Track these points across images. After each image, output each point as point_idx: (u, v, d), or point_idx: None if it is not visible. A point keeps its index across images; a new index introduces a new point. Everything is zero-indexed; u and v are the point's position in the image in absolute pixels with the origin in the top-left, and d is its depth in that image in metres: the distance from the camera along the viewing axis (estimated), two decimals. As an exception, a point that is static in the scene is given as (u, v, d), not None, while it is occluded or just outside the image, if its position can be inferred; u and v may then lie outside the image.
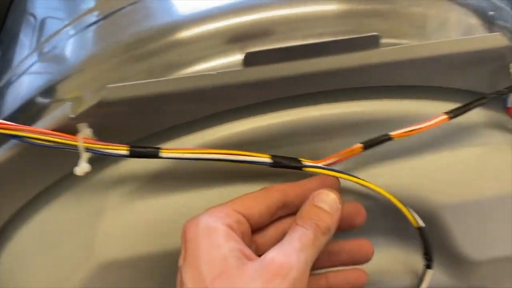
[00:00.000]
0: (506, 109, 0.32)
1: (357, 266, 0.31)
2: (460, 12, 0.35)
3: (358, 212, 0.29)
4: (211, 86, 0.26)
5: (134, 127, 0.28)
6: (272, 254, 0.24)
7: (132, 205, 0.30)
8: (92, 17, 0.38)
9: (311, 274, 0.27)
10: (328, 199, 0.27)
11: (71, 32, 0.37)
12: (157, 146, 0.27)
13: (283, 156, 0.28)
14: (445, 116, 0.29)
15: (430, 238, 0.31)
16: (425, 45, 0.27)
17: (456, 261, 0.35)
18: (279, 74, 0.26)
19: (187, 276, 0.24)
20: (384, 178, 0.31)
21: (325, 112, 0.30)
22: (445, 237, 0.33)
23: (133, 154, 0.26)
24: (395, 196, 0.29)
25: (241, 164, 0.28)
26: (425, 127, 0.29)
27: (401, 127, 0.29)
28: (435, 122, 0.29)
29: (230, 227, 0.25)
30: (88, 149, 0.26)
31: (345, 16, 0.33)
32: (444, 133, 0.32)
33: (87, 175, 0.31)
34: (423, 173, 0.32)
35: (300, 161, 0.28)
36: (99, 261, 0.29)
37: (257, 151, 0.28)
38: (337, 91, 0.30)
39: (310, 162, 0.29)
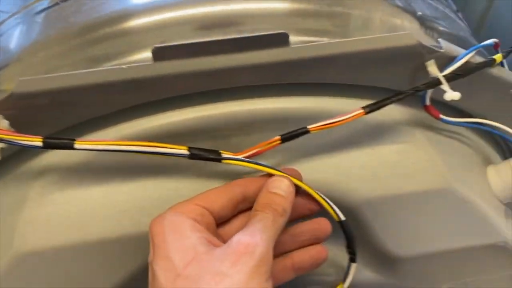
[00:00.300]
0: (424, 107, 0.32)
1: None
2: (388, 12, 0.36)
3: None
4: (122, 80, 0.27)
5: (51, 120, 0.29)
6: (238, 237, 0.25)
7: (52, 196, 0.30)
8: (39, 6, 0.39)
9: (278, 258, 0.30)
10: (281, 185, 0.29)
11: (15, 22, 0.38)
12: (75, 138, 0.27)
13: (201, 148, 0.28)
14: (361, 111, 0.30)
15: (352, 231, 0.31)
16: (332, 43, 0.28)
17: (381, 257, 0.35)
18: (187, 69, 0.27)
19: (158, 267, 0.24)
20: (305, 173, 0.32)
21: (245, 107, 0.31)
22: (367, 233, 0.34)
23: (46, 145, 0.27)
24: (316, 191, 0.30)
25: (159, 157, 0.28)
26: (342, 120, 0.29)
27: (320, 123, 0.29)
28: (351, 116, 0.29)
29: (195, 220, 0.26)
30: (1, 140, 0.27)
31: (282, 14, 0.34)
32: (365, 131, 0.33)
33: (11, 167, 0.31)
34: (343, 169, 0.32)
35: (219, 153, 0.29)
36: (18, 251, 0.29)
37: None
38: (256, 87, 0.30)
39: (229, 154, 0.29)
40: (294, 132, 0.30)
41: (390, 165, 0.32)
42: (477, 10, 0.70)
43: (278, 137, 0.30)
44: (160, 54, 0.26)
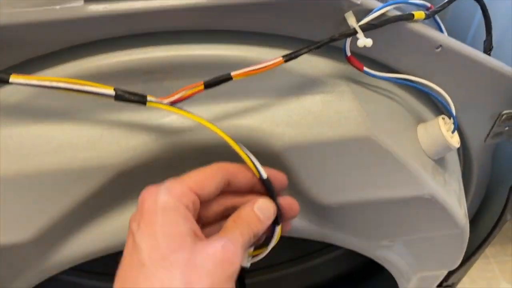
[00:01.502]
0: (346, 58, 0.34)
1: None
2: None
3: (291, 208, 0.33)
4: (54, 19, 0.29)
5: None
6: (223, 242, 0.27)
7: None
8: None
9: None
10: (265, 210, 0.31)
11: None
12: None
13: (127, 90, 0.31)
14: (280, 59, 0.32)
15: (274, 190, 0.32)
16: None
17: (310, 205, 0.37)
18: (116, 10, 0.29)
19: (143, 242, 0.26)
20: (231, 118, 0.34)
21: (173, 52, 0.33)
22: (293, 180, 0.35)
23: (-19, 79, 0.29)
24: (239, 141, 0.31)
25: (91, 99, 0.31)
26: (263, 68, 0.31)
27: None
28: (271, 64, 0.31)
29: (187, 207, 0.28)
30: None
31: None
32: (290, 82, 0.35)
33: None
34: (269, 116, 0.34)
35: (144, 96, 0.31)
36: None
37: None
38: (185, 33, 0.33)
39: (154, 98, 0.31)
40: (217, 78, 0.31)
41: (314, 114, 0.34)
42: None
43: (201, 82, 0.31)
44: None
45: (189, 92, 0.32)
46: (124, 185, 0.34)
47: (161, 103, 0.31)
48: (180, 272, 0.25)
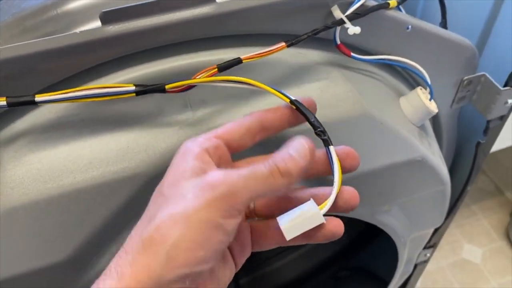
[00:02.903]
0: (336, 47, 0.39)
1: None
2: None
3: (348, 155, 0.32)
4: (76, 43, 0.31)
5: (16, 87, 0.33)
6: (217, 171, 0.27)
7: (25, 158, 0.34)
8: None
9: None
10: (298, 147, 0.29)
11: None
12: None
13: (145, 84, 0.32)
14: (283, 44, 0.35)
15: (306, 108, 0.32)
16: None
17: (318, 183, 0.41)
18: (132, 28, 0.32)
19: (163, 178, 0.28)
20: (241, 110, 0.37)
21: (186, 61, 0.36)
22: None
23: (10, 104, 0.31)
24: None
25: (115, 108, 0.33)
26: (268, 51, 0.35)
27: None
28: (276, 48, 0.35)
29: (207, 150, 0.28)
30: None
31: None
32: (291, 74, 0.39)
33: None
34: (275, 105, 0.38)
35: (162, 84, 0.32)
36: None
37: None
38: (193, 43, 0.36)
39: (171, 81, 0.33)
40: (229, 62, 0.33)
41: (315, 99, 0.38)
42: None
43: (215, 66, 0.33)
44: (107, 17, 0.31)
45: (204, 74, 0.33)
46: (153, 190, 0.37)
47: (179, 81, 0.33)
48: (166, 204, 0.26)
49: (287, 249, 0.79)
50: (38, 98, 0.31)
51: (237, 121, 0.31)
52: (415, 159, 0.42)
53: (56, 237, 0.35)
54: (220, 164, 0.29)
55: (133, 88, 0.32)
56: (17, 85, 0.33)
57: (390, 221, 0.48)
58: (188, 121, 0.36)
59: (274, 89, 0.33)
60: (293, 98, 0.32)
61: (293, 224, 0.29)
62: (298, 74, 0.39)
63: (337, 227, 0.31)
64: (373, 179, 0.42)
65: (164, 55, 0.35)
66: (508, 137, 0.57)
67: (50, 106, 0.34)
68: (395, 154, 0.41)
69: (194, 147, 0.29)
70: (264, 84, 0.33)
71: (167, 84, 0.32)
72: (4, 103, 0.30)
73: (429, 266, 1.34)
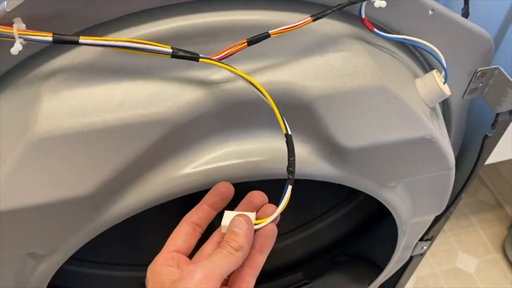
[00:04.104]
0: (361, 20, 0.41)
1: None
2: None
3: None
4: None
5: (64, 23, 0.35)
6: (190, 266, 0.34)
7: (60, 93, 0.36)
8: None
9: None
10: (240, 224, 0.36)
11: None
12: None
13: (182, 49, 0.35)
14: (309, 18, 0.37)
15: (293, 147, 0.37)
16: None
17: (333, 149, 0.43)
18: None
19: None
20: (268, 75, 0.39)
21: (218, 18, 0.38)
22: (320, 126, 0.41)
23: (56, 40, 0.33)
24: (274, 94, 0.36)
25: (148, 59, 0.35)
26: (295, 26, 0.37)
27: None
28: (302, 23, 0.37)
29: (168, 265, 0.36)
30: (20, 36, 0.33)
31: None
32: (316, 42, 0.41)
33: (24, 72, 0.37)
34: (299, 71, 0.40)
35: (196, 53, 0.36)
36: (32, 138, 0.35)
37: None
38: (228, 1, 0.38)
39: (205, 56, 0.36)
40: (258, 36, 0.37)
41: (336, 68, 0.40)
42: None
43: (245, 40, 0.37)
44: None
45: (234, 49, 0.37)
46: (177, 138, 0.39)
47: (211, 59, 0.36)
48: None
49: (286, 233, 0.81)
50: (82, 40, 0.33)
51: (174, 231, 0.39)
52: (425, 137, 0.44)
53: (81, 171, 0.37)
54: (183, 263, 0.37)
55: (170, 50, 0.34)
56: (56, 22, 0.35)
57: (394, 199, 0.50)
58: (213, 77, 0.38)
59: (281, 116, 0.37)
60: (289, 132, 0.37)
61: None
62: (323, 42, 0.41)
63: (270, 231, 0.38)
64: (384, 152, 0.44)
65: (197, 10, 0.37)
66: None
67: (89, 48, 0.36)
68: (407, 129, 0.43)
69: (160, 269, 0.36)
70: (275, 105, 0.36)
71: (201, 57, 0.35)
72: (50, 39, 0.32)
73: (423, 271, 1.36)
